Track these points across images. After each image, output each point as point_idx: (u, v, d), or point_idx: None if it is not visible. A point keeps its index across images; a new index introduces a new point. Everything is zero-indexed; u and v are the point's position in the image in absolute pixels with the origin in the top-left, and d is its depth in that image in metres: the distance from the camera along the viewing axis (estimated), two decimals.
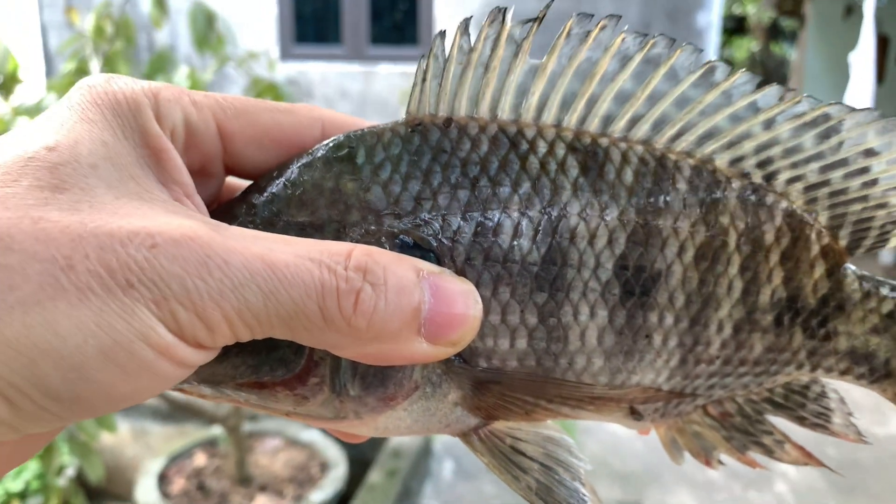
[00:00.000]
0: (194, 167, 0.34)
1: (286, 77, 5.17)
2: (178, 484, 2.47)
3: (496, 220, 0.34)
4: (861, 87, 4.09)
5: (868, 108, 0.38)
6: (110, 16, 2.36)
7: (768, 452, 0.42)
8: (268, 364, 0.33)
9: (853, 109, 0.37)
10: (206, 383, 0.33)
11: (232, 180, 0.38)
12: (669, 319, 0.38)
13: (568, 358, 0.36)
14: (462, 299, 0.31)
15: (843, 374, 0.42)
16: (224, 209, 0.35)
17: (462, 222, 0.34)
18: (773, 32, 11.13)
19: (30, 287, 0.24)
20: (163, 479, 2.46)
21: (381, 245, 0.33)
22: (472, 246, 0.34)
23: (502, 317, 0.35)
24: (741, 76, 0.36)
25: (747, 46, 11.92)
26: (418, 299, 0.30)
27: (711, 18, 4.98)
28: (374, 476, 2.49)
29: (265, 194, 0.35)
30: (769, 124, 0.37)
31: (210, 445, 2.66)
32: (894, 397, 0.43)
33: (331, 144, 0.35)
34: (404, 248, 0.33)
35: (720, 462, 0.42)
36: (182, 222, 0.27)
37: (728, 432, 0.41)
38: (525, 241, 0.35)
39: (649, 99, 0.36)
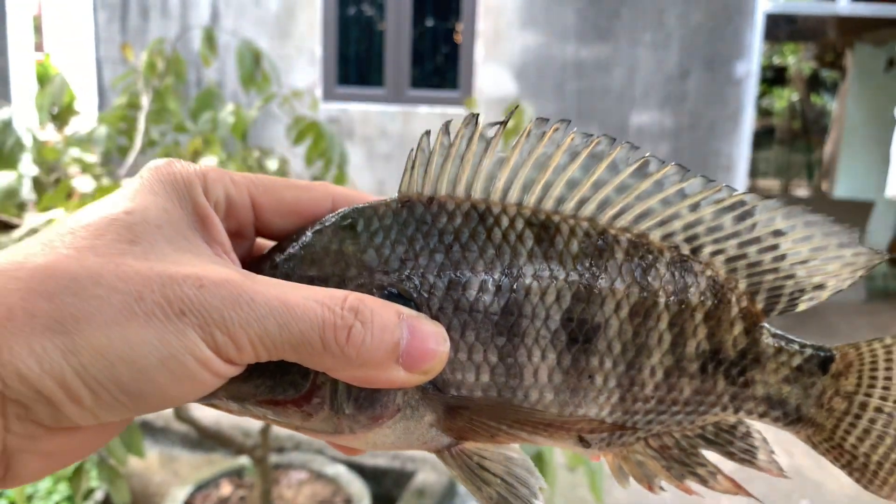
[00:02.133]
0: (232, 231, 0.42)
1: (328, 116, 5.30)
2: None
3: (465, 278, 0.42)
4: None
5: (775, 198, 0.45)
6: (162, 52, 2.46)
7: (703, 482, 0.47)
8: (281, 385, 0.40)
9: (764, 198, 0.45)
10: (233, 399, 0.41)
11: (261, 241, 0.47)
12: (608, 363, 0.45)
13: (524, 391, 0.44)
14: (433, 338, 0.39)
15: (762, 416, 0.48)
16: (253, 264, 0.44)
17: (437, 279, 0.42)
18: (814, 83, 11.07)
19: (112, 311, 0.33)
20: None
21: (371, 294, 0.41)
22: (444, 298, 0.42)
23: (468, 355, 0.42)
24: (671, 168, 0.44)
25: (787, 97, 11.87)
26: (398, 336, 0.38)
27: (750, 68, 4.98)
28: None
29: (284, 253, 0.43)
30: (695, 207, 0.45)
31: (237, 476, 2.67)
32: (807, 439, 0.50)
33: (338, 215, 0.44)
34: (391, 297, 0.41)
35: (661, 488, 0.48)
36: (221, 270, 0.36)
37: (667, 462, 0.48)
38: (488, 295, 0.42)
39: (594, 185, 0.44)
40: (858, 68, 6.96)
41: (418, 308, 0.41)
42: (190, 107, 2.56)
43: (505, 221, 0.43)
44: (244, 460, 2.65)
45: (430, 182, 0.43)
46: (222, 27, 5.22)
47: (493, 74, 5.23)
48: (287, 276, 0.41)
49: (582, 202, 0.44)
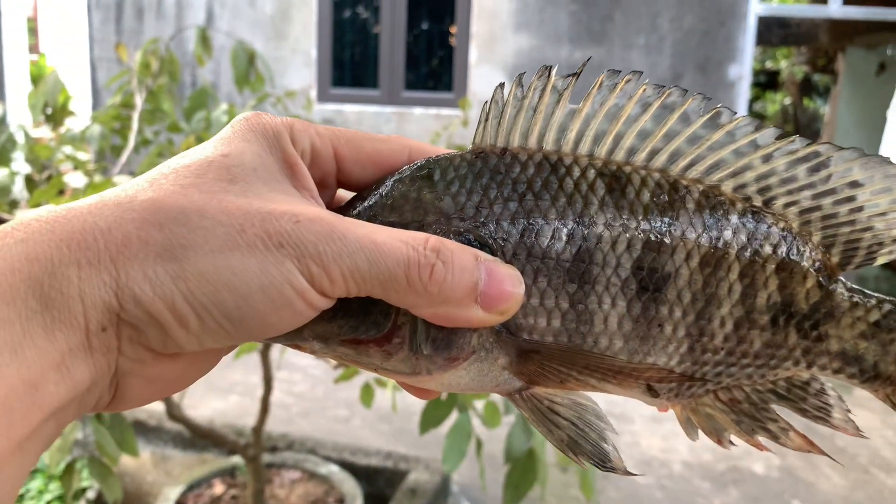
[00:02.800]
0: (316, 180, 0.44)
1: (322, 117, 5.31)
2: None
3: (538, 225, 0.43)
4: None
5: (852, 147, 0.44)
6: (157, 52, 2.46)
7: (774, 438, 0.47)
8: (364, 325, 0.41)
9: (840, 148, 0.44)
10: (318, 339, 0.42)
11: (340, 194, 0.48)
12: (678, 313, 0.45)
13: (593, 337, 0.44)
14: (509, 280, 0.40)
15: (837, 372, 0.48)
16: (337, 210, 0.44)
17: (511, 226, 0.43)
18: (806, 87, 11.12)
19: (217, 241, 0.35)
20: None
21: (449, 239, 0.42)
22: (518, 244, 0.43)
23: (540, 301, 0.43)
24: (743, 119, 0.43)
25: (780, 101, 11.92)
26: (476, 276, 0.39)
27: (743, 71, 5.01)
28: None
29: (366, 201, 0.44)
30: (767, 158, 0.44)
31: (229, 475, 2.66)
32: (885, 398, 0.48)
33: (415, 166, 0.45)
34: (467, 243, 0.42)
35: (731, 442, 0.47)
36: (314, 208, 0.38)
37: (737, 416, 0.47)
38: (560, 243, 0.43)
39: (665, 136, 0.44)
40: (850, 72, 7.00)
41: (493, 253, 0.42)
42: (184, 107, 2.56)
43: (577, 172, 0.44)
44: (237, 460, 2.65)
45: (503, 133, 0.44)
46: (217, 29, 5.23)
47: (486, 76, 5.25)
48: (370, 221, 0.42)
49: (653, 153, 0.44)
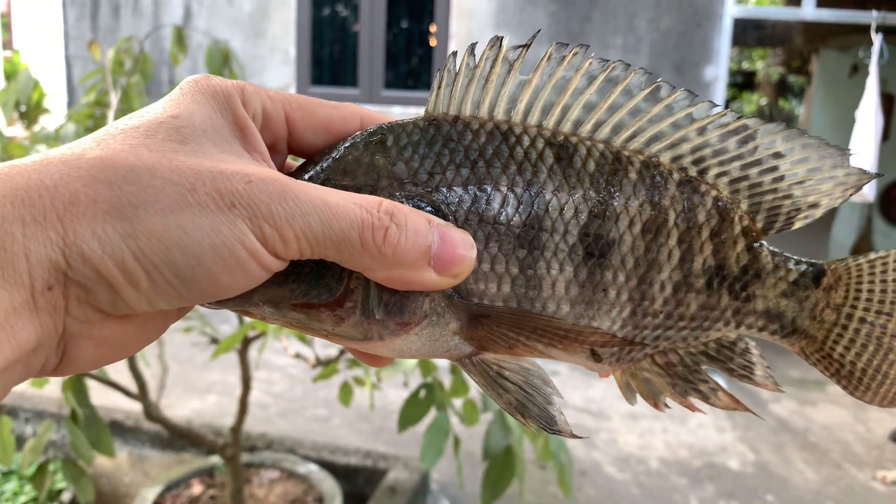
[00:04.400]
0: (267, 143, 0.44)
1: None
2: None
3: (488, 192, 0.44)
4: (865, 142, 4.08)
5: (776, 122, 0.47)
6: (130, 50, 2.44)
7: (705, 398, 0.50)
8: (316, 289, 0.42)
9: (765, 122, 0.47)
10: (269, 303, 0.42)
11: (290, 162, 0.48)
12: (622, 278, 0.47)
13: (542, 302, 0.46)
14: (462, 244, 0.41)
15: (761, 330, 0.51)
16: (289, 174, 0.44)
17: (463, 192, 0.44)
18: (782, 88, 11.27)
19: (168, 200, 0.34)
20: None
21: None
22: (469, 210, 0.44)
23: (491, 266, 0.44)
24: (680, 93, 0.46)
25: (756, 101, 12.06)
26: (430, 240, 0.40)
27: (719, 72, 5.07)
28: None
29: (318, 165, 0.45)
30: (702, 131, 0.47)
31: (208, 475, 2.65)
32: (800, 351, 0.53)
33: (368, 131, 0.45)
34: (419, 208, 0.43)
35: (666, 405, 0.50)
36: (266, 169, 0.38)
37: (672, 379, 0.50)
38: (510, 209, 0.44)
39: (609, 109, 0.46)
40: (824, 73, 7.10)
41: (445, 219, 0.43)
42: None
43: (526, 141, 0.45)
44: (215, 459, 2.64)
45: (455, 102, 0.45)
46: (195, 27, 5.19)
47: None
48: (323, 184, 0.42)
49: (598, 125, 0.46)
